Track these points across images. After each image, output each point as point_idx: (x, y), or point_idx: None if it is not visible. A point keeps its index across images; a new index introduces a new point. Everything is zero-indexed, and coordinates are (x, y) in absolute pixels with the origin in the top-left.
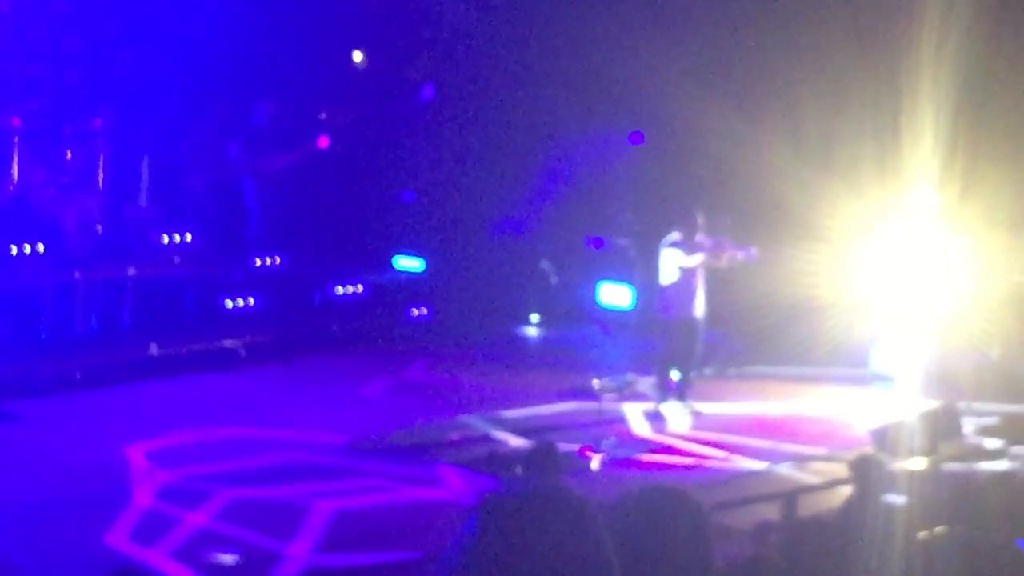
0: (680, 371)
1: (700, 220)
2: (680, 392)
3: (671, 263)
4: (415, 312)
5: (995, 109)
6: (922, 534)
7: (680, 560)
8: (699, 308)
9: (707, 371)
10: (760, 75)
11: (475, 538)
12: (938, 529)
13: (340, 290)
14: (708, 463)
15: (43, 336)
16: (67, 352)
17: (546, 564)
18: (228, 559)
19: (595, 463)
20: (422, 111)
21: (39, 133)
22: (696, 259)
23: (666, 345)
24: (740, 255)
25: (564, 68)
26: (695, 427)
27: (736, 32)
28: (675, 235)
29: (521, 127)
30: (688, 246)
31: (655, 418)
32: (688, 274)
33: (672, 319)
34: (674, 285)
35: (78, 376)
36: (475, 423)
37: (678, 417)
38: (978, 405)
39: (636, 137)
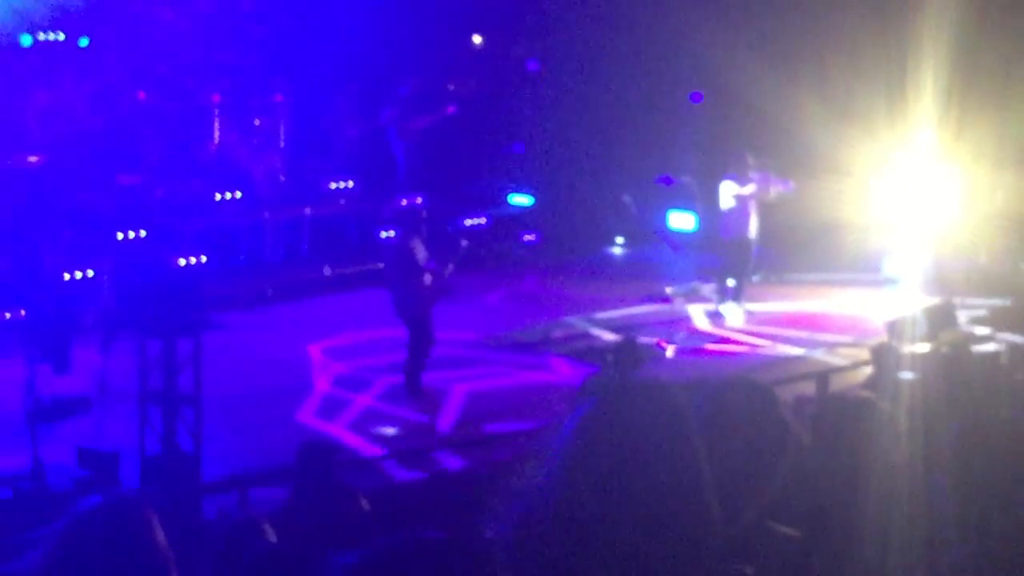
0: (735, 279)
1: (749, 160)
2: (735, 295)
3: (728, 193)
4: (526, 237)
5: (985, 65)
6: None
7: (760, 442)
8: (752, 230)
9: (756, 279)
10: (794, 43)
11: (579, 415)
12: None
13: (468, 222)
14: (758, 350)
15: (242, 262)
16: (260, 274)
17: (638, 434)
18: (390, 430)
19: (669, 352)
20: (528, 80)
21: (233, 106)
22: (748, 189)
23: (724, 259)
24: (781, 187)
25: (642, 42)
26: (747, 322)
27: (774, 8)
28: (730, 172)
29: (606, 91)
30: (741, 180)
31: (715, 316)
32: (742, 202)
33: (730, 239)
34: (731, 211)
35: (269, 292)
36: (575, 323)
37: (733, 315)
38: (969, 300)
39: (696, 97)
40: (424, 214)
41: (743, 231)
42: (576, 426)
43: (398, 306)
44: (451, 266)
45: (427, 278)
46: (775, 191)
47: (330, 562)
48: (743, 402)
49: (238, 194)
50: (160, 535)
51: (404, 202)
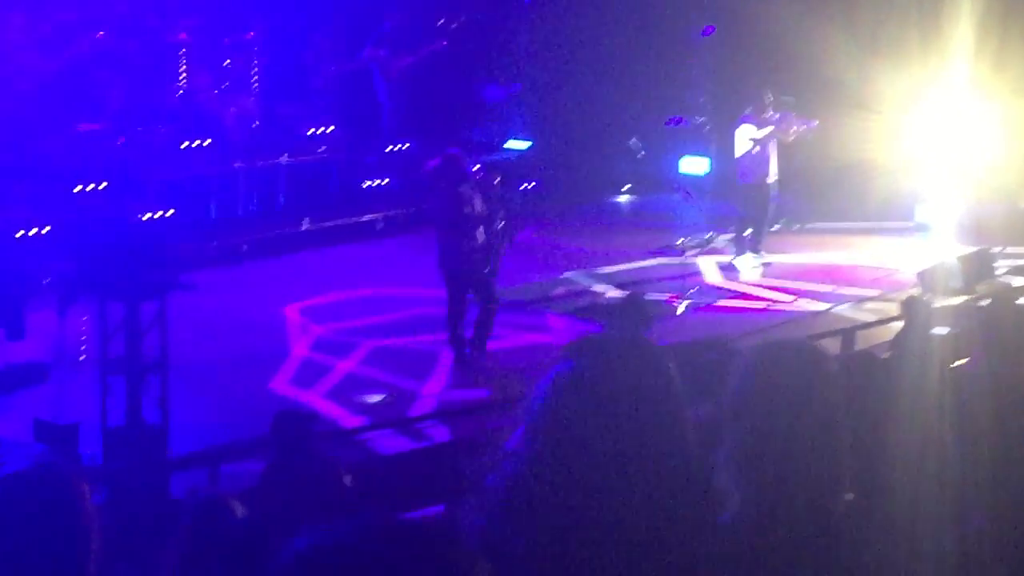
0: (753, 228)
1: (767, 98)
2: (753, 246)
3: (744, 136)
4: (524, 186)
5: None
6: (958, 363)
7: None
8: (772, 175)
9: (775, 227)
10: None
11: (548, 381)
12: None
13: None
14: (777, 306)
15: (212, 216)
16: (232, 229)
17: (616, 401)
18: (374, 398)
19: (681, 309)
20: (524, 13)
21: (201, 45)
22: (765, 131)
23: (741, 207)
24: (803, 127)
25: None
26: (766, 276)
27: None
28: (747, 111)
29: (610, 24)
30: (759, 121)
31: (731, 270)
32: (760, 145)
33: (748, 184)
34: (749, 155)
35: (243, 249)
36: (578, 278)
37: (752, 268)
38: (1009, 249)
39: (708, 30)
40: (466, 161)
41: (761, 175)
42: (545, 394)
43: (445, 262)
44: (502, 214)
45: (480, 232)
46: (796, 131)
47: (280, 546)
48: (793, 368)
49: (207, 142)
50: (90, 506)
51: (390, 148)
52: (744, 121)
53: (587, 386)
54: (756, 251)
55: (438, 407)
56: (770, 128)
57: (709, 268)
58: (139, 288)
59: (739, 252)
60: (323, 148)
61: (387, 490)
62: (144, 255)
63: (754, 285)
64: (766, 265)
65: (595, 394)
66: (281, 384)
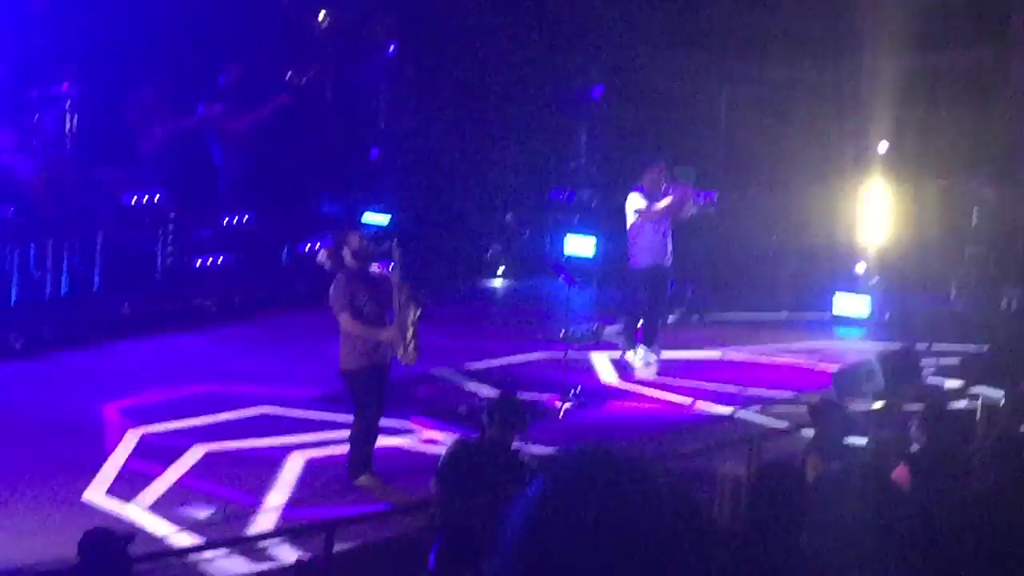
0: (647, 319)
1: (662, 170)
2: (646, 340)
3: (632, 208)
4: (379, 268)
5: (956, 60)
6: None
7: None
8: (667, 258)
9: (672, 318)
10: (722, 29)
11: (522, 511)
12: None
13: (308, 247)
14: (674, 408)
15: (13, 299)
16: (37, 313)
17: (615, 524)
18: (206, 512)
19: (563, 411)
20: (386, 68)
21: (6, 97)
22: (662, 205)
23: (633, 294)
24: (702, 201)
25: (525, 25)
26: (662, 373)
27: None
28: (640, 183)
29: (484, 85)
30: (652, 194)
31: (622, 366)
32: (655, 224)
33: (640, 269)
34: (641, 235)
35: (47, 336)
36: (445, 375)
37: (645, 364)
38: (937, 346)
39: (597, 89)
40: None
41: (656, 258)
42: (523, 529)
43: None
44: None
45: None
46: (693, 205)
47: None
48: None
49: (10, 210)
50: None
51: (226, 221)
52: (636, 191)
53: (564, 507)
54: (650, 345)
55: (282, 523)
56: (666, 201)
57: (598, 364)
58: None
59: (630, 346)
60: (147, 219)
61: None
62: None
63: (648, 384)
64: (660, 361)
65: (591, 523)
66: (96, 495)
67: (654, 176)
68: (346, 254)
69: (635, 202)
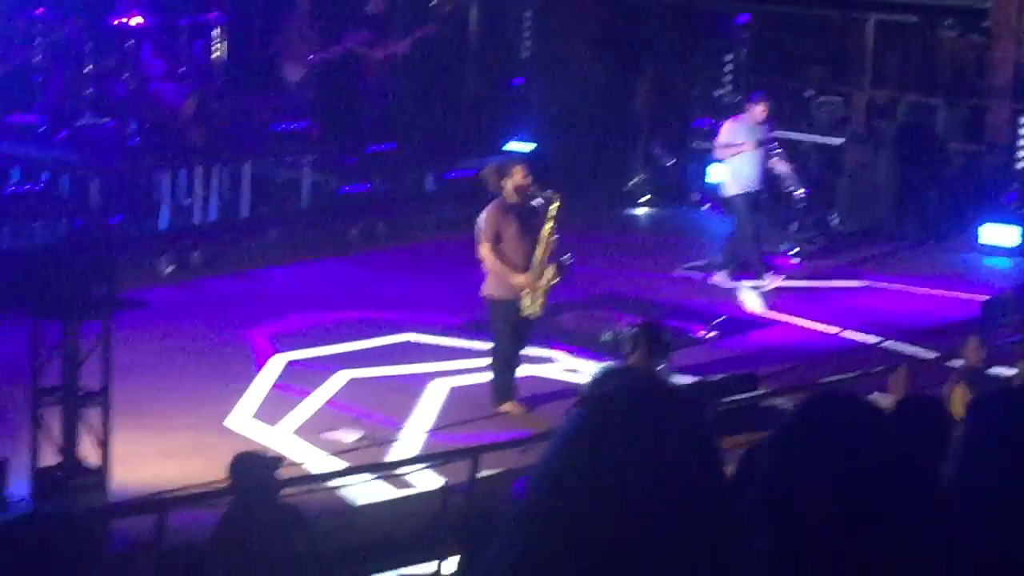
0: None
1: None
2: (755, 268)
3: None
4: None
5: None
6: None
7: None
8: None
9: (815, 246)
10: None
11: (560, 440)
12: None
13: (453, 174)
14: (818, 338)
15: (163, 224)
16: (188, 238)
17: (646, 464)
18: (351, 437)
19: (705, 339)
20: None
21: (156, 28)
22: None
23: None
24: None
25: None
26: (806, 302)
27: None
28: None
29: (628, 12)
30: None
31: (766, 293)
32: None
33: (731, 196)
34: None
35: (198, 261)
36: (586, 304)
37: (768, 291)
38: None
39: (742, 18)
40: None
41: (749, 186)
42: (554, 459)
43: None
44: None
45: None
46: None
47: None
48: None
49: (161, 138)
50: None
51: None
52: (732, 120)
53: (601, 442)
54: (758, 274)
55: (426, 449)
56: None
57: (741, 291)
58: (77, 306)
59: (756, 275)
60: (295, 148)
61: (364, 546)
62: (82, 268)
63: (792, 313)
64: (805, 290)
65: (610, 454)
66: (242, 420)
67: (756, 112)
68: (507, 184)
69: (728, 133)
